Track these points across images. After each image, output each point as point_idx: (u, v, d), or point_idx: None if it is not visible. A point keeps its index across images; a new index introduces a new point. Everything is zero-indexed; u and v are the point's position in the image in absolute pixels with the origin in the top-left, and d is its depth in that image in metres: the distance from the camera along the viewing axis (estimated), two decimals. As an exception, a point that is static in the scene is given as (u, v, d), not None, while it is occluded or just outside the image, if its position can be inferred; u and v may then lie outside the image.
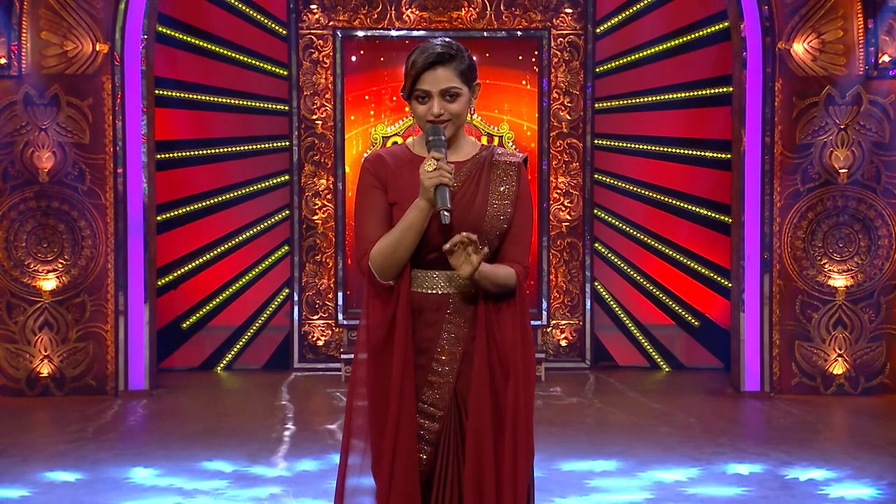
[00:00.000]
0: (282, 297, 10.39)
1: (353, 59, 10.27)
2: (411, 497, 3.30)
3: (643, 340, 10.46)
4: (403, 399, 3.28)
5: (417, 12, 10.18)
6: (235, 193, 10.33)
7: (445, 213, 3.21)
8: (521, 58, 10.31)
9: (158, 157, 9.63)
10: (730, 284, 9.73)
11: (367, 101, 10.31)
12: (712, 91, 10.20)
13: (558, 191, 10.37)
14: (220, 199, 10.33)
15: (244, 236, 10.36)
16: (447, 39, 3.41)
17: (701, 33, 10.22)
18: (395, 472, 3.29)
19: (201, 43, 10.21)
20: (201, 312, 10.32)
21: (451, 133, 3.37)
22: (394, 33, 10.19)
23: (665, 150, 10.36)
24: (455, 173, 3.35)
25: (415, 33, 10.10)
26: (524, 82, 10.32)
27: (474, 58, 3.48)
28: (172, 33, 10.02)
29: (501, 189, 3.41)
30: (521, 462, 3.32)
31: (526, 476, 3.36)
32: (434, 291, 3.37)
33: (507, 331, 3.35)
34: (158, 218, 9.64)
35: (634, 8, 10.33)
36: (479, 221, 3.36)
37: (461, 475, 3.33)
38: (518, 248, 3.43)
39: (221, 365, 10.35)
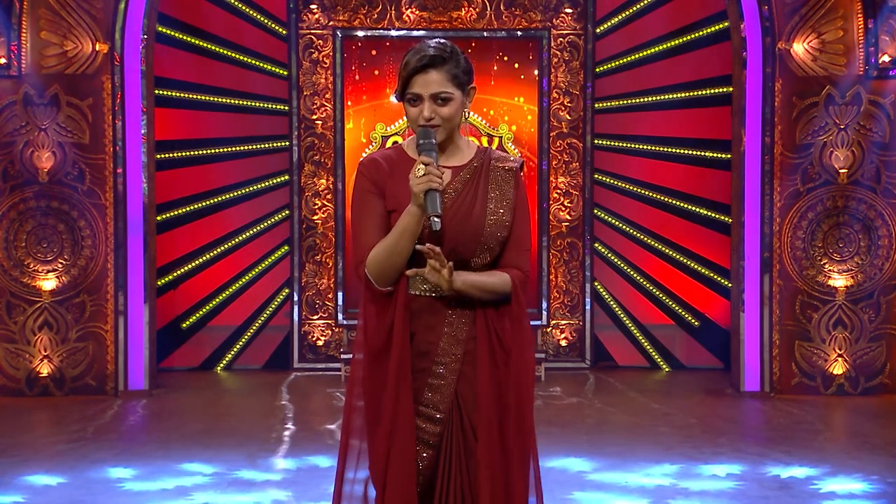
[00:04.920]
0: (282, 297, 10.39)
1: (353, 58, 10.28)
2: (408, 502, 3.29)
3: (643, 340, 10.46)
4: (399, 405, 3.26)
5: (417, 12, 10.18)
6: (235, 193, 10.33)
7: (436, 219, 3.15)
8: (520, 60, 10.32)
9: (158, 157, 9.63)
10: (730, 284, 9.73)
11: (366, 100, 10.31)
12: (712, 91, 10.20)
13: (558, 191, 10.37)
14: (220, 199, 10.33)
15: (244, 236, 10.36)
16: (442, 41, 3.35)
17: (701, 33, 10.22)
18: (391, 479, 3.27)
19: (201, 43, 10.21)
20: (201, 312, 10.32)
21: (442, 137, 3.33)
22: (394, 33, 10.19)
23: (665, 150, 10.36)
24: (452, 178, 3.33)
25: (415, 33, 10.09)
26: (523, 75, 10.34)
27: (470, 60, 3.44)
28: (172, 33, 10.02)
29: (500, 196, 3.37)
30: (530, 459, 3.35)
31: (534, 472, 3.39)
32: (432, 294, 3.34)
33: (506, 332, 3.34)
34: (158, 218, 9.64)
35: (634, 8, 10.32)
36: (479, 229, 3.32)
37: (463, 478, 3.33)
38: (517, 254, 3.39)
39: (221, 365, 10.35)
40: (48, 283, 9.02)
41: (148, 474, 6.61)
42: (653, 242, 10.42)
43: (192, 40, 10.17)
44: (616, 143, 10.43)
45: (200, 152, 10.29)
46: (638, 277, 10.45)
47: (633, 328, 10.46)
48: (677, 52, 10.29)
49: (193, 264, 10.30)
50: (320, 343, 10.32)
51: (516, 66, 10.32)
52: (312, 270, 10.33)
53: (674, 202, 10.36)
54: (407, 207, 3.23)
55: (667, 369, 10.41)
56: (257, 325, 10.37)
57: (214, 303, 10.34)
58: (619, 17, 10.35)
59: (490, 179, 3.39)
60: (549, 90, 10.26)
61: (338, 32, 10.21)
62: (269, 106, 10.32)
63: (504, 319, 3.34)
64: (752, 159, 9.12)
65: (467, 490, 3.32)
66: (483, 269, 3.35)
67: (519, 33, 10.26)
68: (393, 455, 3.27)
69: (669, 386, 9.81)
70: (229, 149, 10.32)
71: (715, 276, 10.29)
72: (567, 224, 10.40)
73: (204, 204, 10.29)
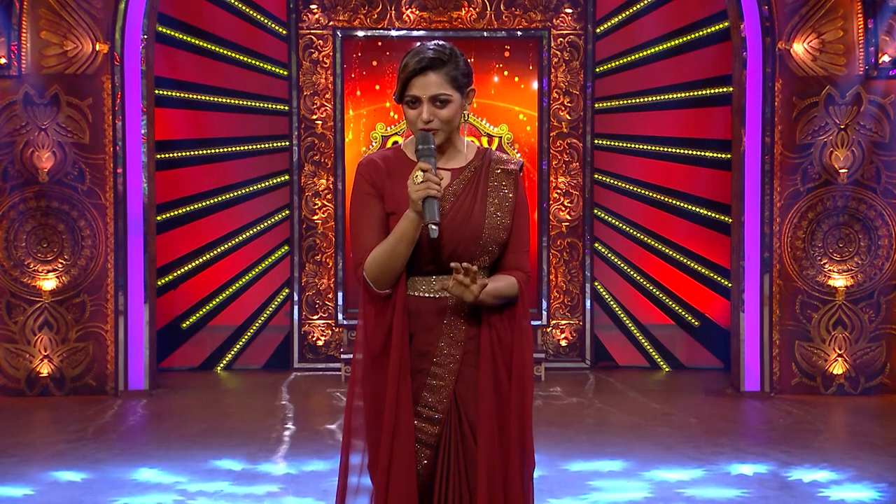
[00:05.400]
0: (282, 297, 10.39)
1: (353, 58, 10.28)
2: (409, 502, 3.29)
3: (643, 340, 10.46)
4: (400, 407, 3.27)
5: (417, 12, 10.18)
6: (235, 193, 10.34)
7: (433, 226, 3.15)
8: (519, 70, 10.32)
9: (158, 157, 9.63)
10: (730, 284, 9.73)
11: (366, 100, 10.31)
12: (712, 91, 10.20)
13: (558, 191, 10.37)
14: (220, 199, 10.33)
15: (244, 236, 10.36)
16: (441, 43, 3.35)
17: (701, 33, 10.22)
18: (392, 480, 3.27)
19: (201, 43, 10.21)
20: (201, 312, 10.33)
21: (441, 140, 3.33)
22: (394, 33, 10.19)
23: (665, 150, 10.36)
24: (451, 180, 3.33)
25: (415, 33, 10.10)
26: (523, 85, 10.34)
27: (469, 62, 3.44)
28: (172, 33, 10.03)
29: (499, 198, 3.37)
30: (528, 460, 3.35)
31: (531, 473, 3.39)
32: (432, 295, 3.34)
33: (507, 333, 3.34)
34: (158, 218, 9.64)
35: (634, 8, 10.33)
36: (478, 231, 3.32)
37: (461, 478, 3.33)
38: (519, 255, 3.40)
39: (221, 365, 10.35)
40: (48, 283, 9.02)
41: (147, 474, 6.61)
42: (653, 242, 10.43)
43: (192, 40, 10.18)
44: (616, 143, 10.43)
45: (200, 152, 10.30)
46: (638, 277, 10.45)
47: (633, 328, 10.46)
48: (677, 52, 10.30)
49: (193, 264, 10.31)
50: (320, 343, 10.33)
51: (516, 79, 10.32)
52: (312, 270, 10.34)
53: (674, 202, 10.37)
54: (405, 212, 3.23)
55: (667, 369, 10.41)
56: (257, 325, 10.38)
57: (214, 303, 10.34)
58: (619, 17, 10.35)
59: (490, 181, 3.39)
60: (549, 90, 10.27)
61: (338, 32, 10.21)
62: (269, 106, 10.33)
63: (506, 320, 3.35)
64: (752, 159, 9.12)
65: (465, 491, 3.33)
66: (483, 271, 3.35)
67: (519, 33, 10.26)
68: (393, 455, 3.27)
69: (669, 386, 9.81)
70: (229, 149, 10.33)
71: (715, 276, 10.29)
72: (567, 224, 10.40)
73: (204, 204, 10.30)
